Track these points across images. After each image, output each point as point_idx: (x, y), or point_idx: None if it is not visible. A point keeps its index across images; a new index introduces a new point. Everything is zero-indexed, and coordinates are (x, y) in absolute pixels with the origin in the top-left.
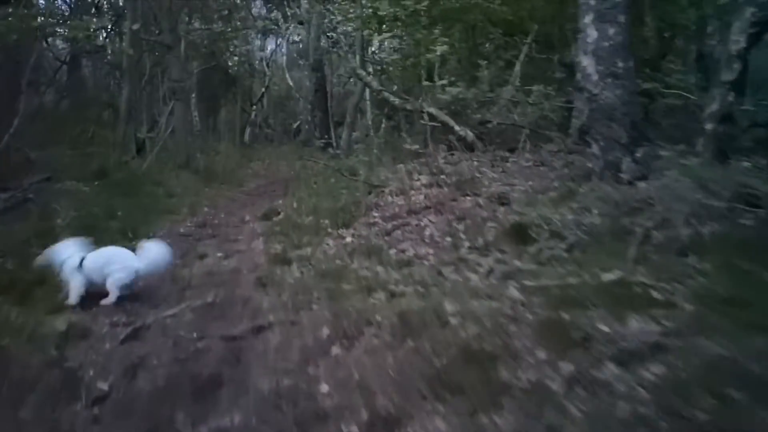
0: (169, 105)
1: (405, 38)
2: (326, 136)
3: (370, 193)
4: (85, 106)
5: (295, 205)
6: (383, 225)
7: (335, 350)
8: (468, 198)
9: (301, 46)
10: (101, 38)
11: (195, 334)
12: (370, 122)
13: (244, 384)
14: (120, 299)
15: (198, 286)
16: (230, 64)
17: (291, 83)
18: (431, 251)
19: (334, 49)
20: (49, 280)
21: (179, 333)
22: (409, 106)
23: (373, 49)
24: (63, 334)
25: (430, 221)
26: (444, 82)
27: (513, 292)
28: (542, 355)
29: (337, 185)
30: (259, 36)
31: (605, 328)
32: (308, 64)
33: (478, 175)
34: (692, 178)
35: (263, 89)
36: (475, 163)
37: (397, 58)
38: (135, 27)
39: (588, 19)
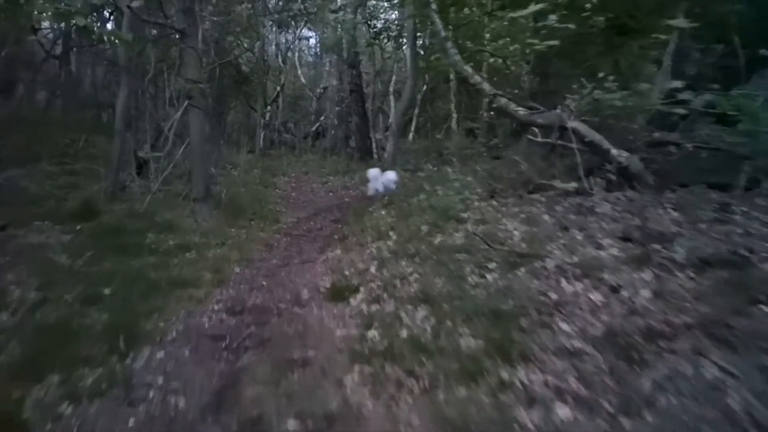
0: (177, 111)
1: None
2: (366, 145)
3: (514, 264)
4: (78, 108)
5: (373, 269)
6: (603, 362)
7: None
8: (765, 308)
9: (313, 41)
10: (88, 20)
11: None
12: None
13: None
14: None
15: None
16: (241, 60)
17: (304, 80)
18: None
19: (376, 41)
20: None
21: None
22: (540, 120)
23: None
24: None
25: (723, 371)
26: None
27: None
28: None
29: (431, 236)
30: (274, 29)
31: None
32: (343, 59)
33: (745, 252)
34: None
35: (278, 88)
36: (673, 212)
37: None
38: (135, 5)
39: None
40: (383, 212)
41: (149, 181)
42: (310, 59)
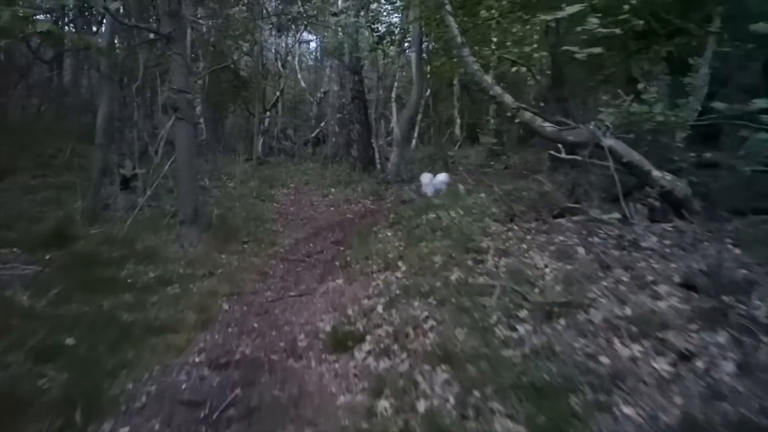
0: (168, 121)
1: None
2: (368, 154)
3: (551, 314)
4: (71, 114)
5: (381, 308)
6: None
7: None
8: None
9: (313, 45)
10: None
11: None
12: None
13: None
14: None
15: None
16: (240, 64)
17: (304, 85)
18: None
19: (380, 46)
20: None
21: None
22: (571, 137)
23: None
24: None
25: None
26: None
27: None
28: None
29: (447, 270)
30: (274, 33)
31: None
32: (344, 65)
33: None
34: None
35: (277, 93)
36: (734, 249)
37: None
38: (113, 6)
39: None
40: (389, 233)
41: (136, 195)
42: (311, 63)
